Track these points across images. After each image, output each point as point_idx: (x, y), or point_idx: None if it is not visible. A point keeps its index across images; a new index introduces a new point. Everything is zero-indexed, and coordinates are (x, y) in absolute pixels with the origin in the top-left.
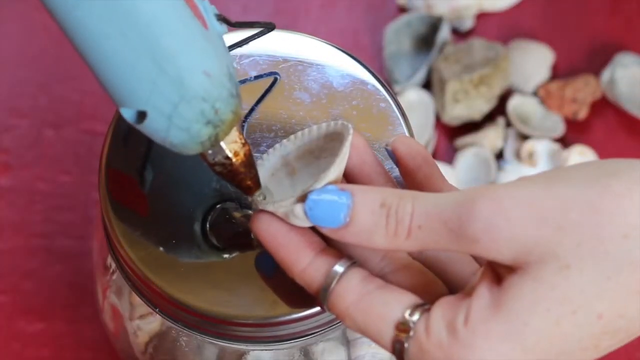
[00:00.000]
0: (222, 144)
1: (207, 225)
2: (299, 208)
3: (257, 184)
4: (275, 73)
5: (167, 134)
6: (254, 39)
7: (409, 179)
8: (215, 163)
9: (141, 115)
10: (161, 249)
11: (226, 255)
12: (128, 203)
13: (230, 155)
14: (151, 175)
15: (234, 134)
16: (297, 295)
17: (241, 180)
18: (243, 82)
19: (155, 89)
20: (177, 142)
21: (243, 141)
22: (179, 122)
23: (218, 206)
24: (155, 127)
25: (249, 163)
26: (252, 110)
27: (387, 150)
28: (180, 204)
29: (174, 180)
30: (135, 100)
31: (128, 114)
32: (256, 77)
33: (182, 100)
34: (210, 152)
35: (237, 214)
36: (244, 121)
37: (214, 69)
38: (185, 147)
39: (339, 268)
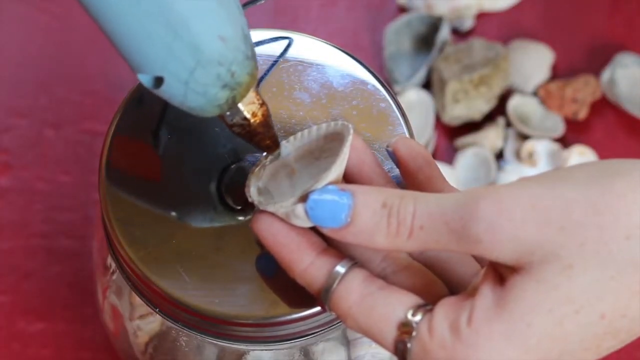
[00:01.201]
0: (240, 105)
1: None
2: (300, 208)
3: (276, 143)
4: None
5: (184, 99)
6: None
7: (410, 180)
8: (233, 124)
9: (158, 81)
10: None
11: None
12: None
13: (248, 116)
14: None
15: (251, 95)
16: (298, 295)
17: (260, 140)
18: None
19: (171, 55)
20: (194, 106)
21: (260, 102)
22: (195, 87)
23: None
24: (173, 92)
25: (267, 123)
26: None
27: (387, 151)
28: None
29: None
30: (151, 66)
31: (145, 80)
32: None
33: (198, 65)
34: (228, 114)
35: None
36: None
37: (228, 32)
38: (203, 111)
39: (340, 268)
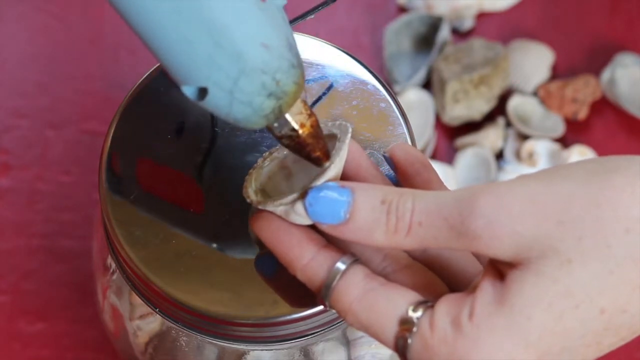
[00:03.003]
0: (288, 116)
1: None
2: (299, 204)
3: (327, 155)
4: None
5: (230, 109)
6: (317, 10)
7: (408, 184)
8: (282, 136)
9: (202, 92)
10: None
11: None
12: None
13: (296, 127)
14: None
15: (299, 105)
16: (298, 295)
17: (310, 152)
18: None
19: (214, 65)
20: (241, 117)
21: (309, 112)
22: (240, 96)
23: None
24: (218, 103)
25: (317, 134)
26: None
27: (384, 157)
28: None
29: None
30: (194, 77)
31: (189, 92)
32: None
33: (241, 74)
34: (276, 125)
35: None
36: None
37: (272, 40)
38: (249, 122)
39: (341, 264)
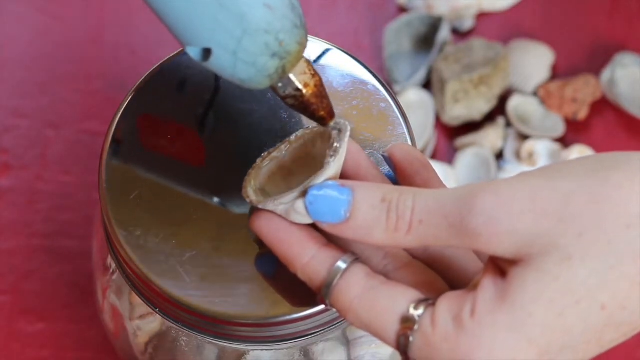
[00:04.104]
0: (292, 76)
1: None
2: (300, 203)
3: (331, 114)
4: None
5: (234, 70)
6: None
7: (407, 184)
8: (286, 96)
9: (206, 53)
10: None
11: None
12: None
13: (300, 86)
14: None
15: (303, 65)
16: (298, 295)
17: (314, 112)
18: None
19: (218, 26)
20: (245, 77)
21: (313, 72)
22: (244, 57)
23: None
24: (222, 64)
25: (321, 93)
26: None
27: (384, 157)
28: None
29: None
30: (199, 38)
31: (194, 53)
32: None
33: (245, 35)
34: (280, 85)
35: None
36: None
37: (274, 1)
38: (253, 82)
39: (342, 263)
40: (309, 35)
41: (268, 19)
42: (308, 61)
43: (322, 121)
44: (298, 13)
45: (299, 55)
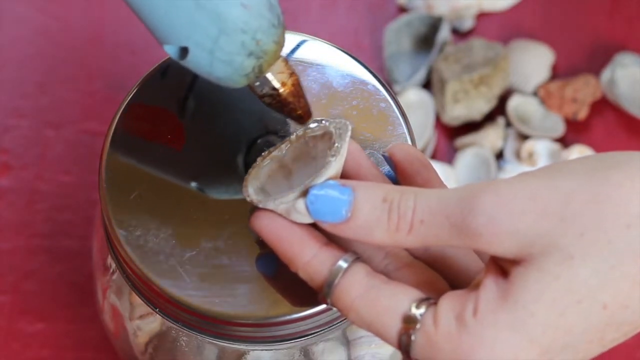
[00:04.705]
0: (269, 75)
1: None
2: (301, 202)
3: (308, 113)
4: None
5: (210, 69)
6: None
7: (407, 184)
8: (264, 95)
9: (184, 52)
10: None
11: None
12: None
13: (277, 85)
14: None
15: (280, 64)
16: (299, 294)
17: (291, 110)
18: None
19: (195, 24)
20: (222, 76)
21: (290, 71)
22: (220, 56)
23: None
24: (199, 62)
25: (298, 92)
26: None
27: (384, 156)
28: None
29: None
30: (176, 36)
31: (171, 51)
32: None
33: (221, 34)
34: (257, 84)
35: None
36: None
37: (252, 0)
38: (230, 81)
39: (344, 262)
40: (309, 35)
41: (244, 18)
42: (286, 60)
43: (299, 120)
44: (276, 12)
45: (276, 55)
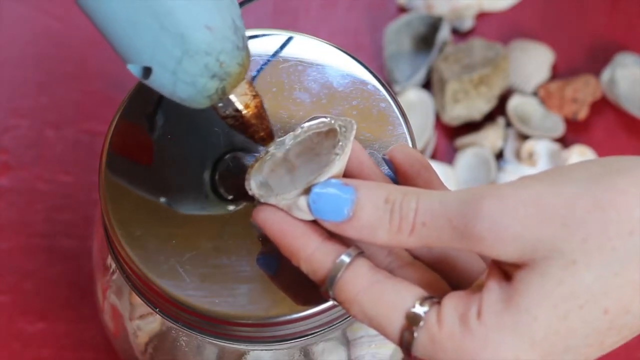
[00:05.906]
0: (232, 96)
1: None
2: (302, 200)
3: (271, 135)
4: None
5: (173, 89)
6: None
7: (408, 186)
8: (226, 116)
9: (147, 71)
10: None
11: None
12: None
13: (240, 107)
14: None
15: (244, 86)
16: (300, 294)
17: (254, 132)
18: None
19: (158, 45)
20: (184, 97)
21: (254, 93)
22: (183, 77)
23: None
24: (162, 82)
25: (261, 115)
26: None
27: (384, 159)
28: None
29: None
30: (139, 56)
31: (135, 70)
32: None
33: (184, 55)
34: (220, 105)
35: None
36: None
37: (216, 22)
38: (193, 101)
39: (346, 256)
40: (309, 35)
41: (208, 40)
42: (250, 82)
43: (262, 142)
44: (241, 35)
45: (240, 77)
